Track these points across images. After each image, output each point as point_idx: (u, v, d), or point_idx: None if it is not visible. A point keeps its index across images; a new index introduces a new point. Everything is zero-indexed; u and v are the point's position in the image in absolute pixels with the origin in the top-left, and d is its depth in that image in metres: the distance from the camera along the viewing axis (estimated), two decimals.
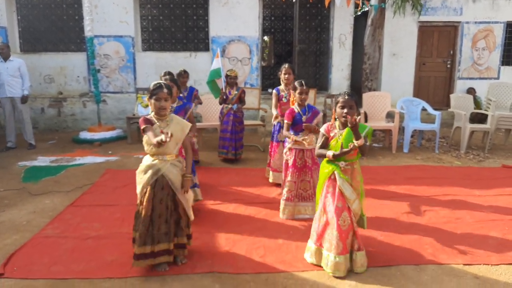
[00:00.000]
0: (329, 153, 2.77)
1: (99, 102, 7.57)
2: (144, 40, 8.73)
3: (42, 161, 5.82)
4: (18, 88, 6.50)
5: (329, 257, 2.75)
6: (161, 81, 2.80)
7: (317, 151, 2.89)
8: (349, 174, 2.80)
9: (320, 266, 2.85)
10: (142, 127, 2.65)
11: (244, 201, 4.24)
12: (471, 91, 8.75)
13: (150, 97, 2.69)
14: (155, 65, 8.39)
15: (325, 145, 2.86)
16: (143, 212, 2.70)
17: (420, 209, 4.00)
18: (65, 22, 8.64)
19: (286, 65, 4.71)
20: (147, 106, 7.19)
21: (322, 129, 2.89)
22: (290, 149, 3.81)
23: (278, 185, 4.58)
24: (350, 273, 2.78)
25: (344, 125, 2.79)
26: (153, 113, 2.74)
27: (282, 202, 3.81)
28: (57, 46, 8.67)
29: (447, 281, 2.69)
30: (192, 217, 2.92)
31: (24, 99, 6.55)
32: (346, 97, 2.74)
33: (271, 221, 3.74)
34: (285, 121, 3.78)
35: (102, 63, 8.32)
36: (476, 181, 4.99)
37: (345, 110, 2.72)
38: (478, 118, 7.38)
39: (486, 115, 6.84)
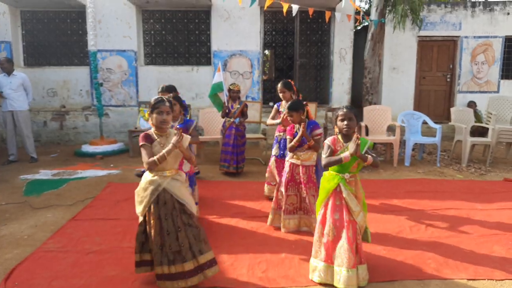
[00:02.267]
0: (345, 154, 2.72)
1: (101, 116, 7.62)
2: (146, 54, 8.83)
3: (44, 174, 5.82)
4: (20, 102, 6.53)
5: (342, 272, 2.69)
6: (161, 96, 2.79)
7: (326, 160, 2.84)
8: (353, 186, 2.82)
9: (331, 285, 2.78)
10: (141, 143, 2.64)
11: (245, 215, 4.23)
12: (471, 104, 8.80)
13: (151, 112, 2.68)
14: (157, 79, 8.47)
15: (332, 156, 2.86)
16: (152, 231, 2.61)
17: (422, 223, 3.98)
18: (69, 37, 8.76)
19: (279, 84, 4.72)
20: (148, 119, 7.23)
21: (328, 141, 2.90)
22: (287, 161, 3.84)
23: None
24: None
25: (346, 137, 2.83)
26: (153, 128, 2.72)
27: (283, 217, 3.79)
28: (60, 60, 8.77)
29: None
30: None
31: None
32: (345, 110, 2.81)
33: (273, 235, 3.72)
34: (288, 137, 3.81)
35: (105, 77, 8.41)
36: (478, 195, 4.98)
37: (345, 122, 2.78)
38: (479, 131, 7.40)
39: (487, 129, 6.86)
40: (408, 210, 4.39)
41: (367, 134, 6.87)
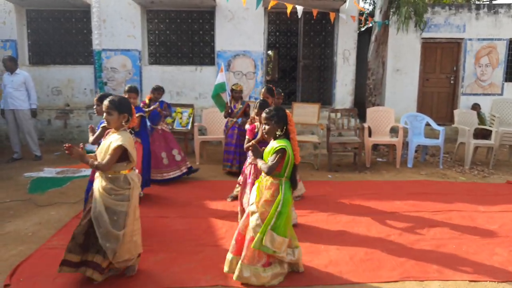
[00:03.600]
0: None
1: None
2: (150, 54, 8.87)
3: (48, 172, 5.86)
4: (21, 101, 6.54)
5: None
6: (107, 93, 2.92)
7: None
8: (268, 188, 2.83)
9: None
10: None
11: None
12: (476, 107, 8.76)
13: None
14: (161, 79, 8.50)
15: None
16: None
17: (424, 225, 3.99)
18: (73, 36, 8.81)
19: (263, 89, 4.72)
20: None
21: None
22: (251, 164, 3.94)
23: None
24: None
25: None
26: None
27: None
28: (65, 59, 8.82)
29: None
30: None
31: (33, 113, 6.65)
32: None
33: None
34: (247, 137, 3.97)
35: (109, 76, 8.45)
36: (481, 197, 4.98)
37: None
38: (483, 134, 7.39)
39: (491, 131, 6.85)
40: (411, 211, 4.40)
41: (370, 135, 6.87)
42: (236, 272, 2.75)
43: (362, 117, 7.56)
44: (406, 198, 4.88)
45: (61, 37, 8.79)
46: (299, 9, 6.69)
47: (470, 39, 9.00)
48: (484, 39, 8.99)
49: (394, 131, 7.27)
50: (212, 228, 3.87)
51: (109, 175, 2.72)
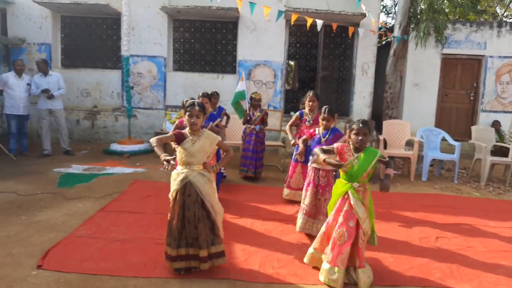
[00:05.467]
0: (322, 156, 3.06)
1: (130, 117, 8.03)
2: (175, 61, 9.24)
3: (76, 168, 6.23)
4: (57, 100, 7.10)
5: (335, 271, 2.91)
6: (194, 100, 3.10)
7: (325, 159, 3.06)
8: (361, 194, 3.00)
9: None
10: (170, 132, 3.01)
11: (261, 216, 4.45)
12: (496, 124, 8.71)
13: (184, 113, 3.02)
14: (184, 85, 8.85)
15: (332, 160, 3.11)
16: (174, 217, 2.96)
17: (432, 235, 4.09)
18: (104, 42, 9.28)
19: (311, 93, 4.98)
20: (174, 122, 7.58)
21: (336, 144, 3.14)
22: (311, 167, 4.05)
23: (292, 202, 4.91)
24: None
25: (357, 149, 3.02)
26: (187, 128, 3.04)
27: (300, 216, 4.01)
28: (95, 63, 9.29)
29: None
30: (218, 225, 3.08)
31: (49, 94, 6.88)
32: (361, 125, 2.96)
33: (286, 236, 3.92)
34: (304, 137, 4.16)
35: (135, 81, 8.85)
36: (493, 213, 5.02)
37: (360, 138, 2.96)
38: (502, 151, 7.37)
39: (509, 149, 6.84)
40: (420, 222, 4.50)
41: (385, 147, 6.98)
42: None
43: (379, 129, 7.67)
44: (417, 209, 4.98)
45: (92, 42, 9.28)
46: (319, 23, 6.91)
47: (491, 56, 9.01)
48: (505, 57, 8.98)
49: (410, 144, 7.34)
50: (226, 228, 4.08)
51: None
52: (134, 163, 6.75)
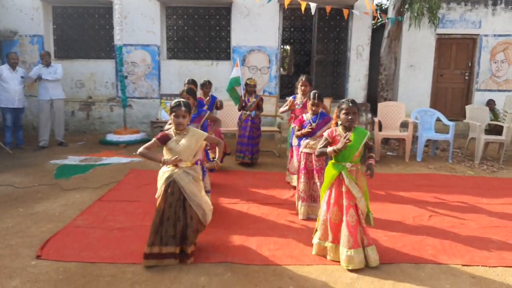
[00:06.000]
0: (330, 149, 3.05)
1: (125, 107, 8.02)
2: (169, 49, 9.18)
3: (72, 160, 6.26)
4: (58, 90, 7.19)
5: (343, 252, 2.97)
6: (180, 100, 3.05)
7: (318, 151, 3.20)
8: (354, 174, 3.04)
9: (337, 262, 3.05)
10: (155, 137, 3.01)
11: (257, 201, 4.50)
12: (490, 103, 8.75)
13: (170, 113, 3.01)
14: (178, 73, 8.82)
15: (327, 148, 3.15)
16: (155, 214, 2.97)
17: (425, 214, 4.16)
18: (96, 31, 9.21)
19: (304, 77, 4.98)
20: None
21: (325, 134, 3.18)
22: (302, 152, 4.08)
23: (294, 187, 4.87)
24: (367, 268, 2.98)
25: (347, 129, 3.07)
26: (173, 127, 3.05)
27: (299, 204, 4.07)
28: (88, 54, 9.24)
29: (444, 279, 2.87)
30: (205, 223, 3.12)
31: (39, 78, 6.95)
32: (350, 104, 3.03)
33: (282, 219, 3.98)
34: (296, 127, 4.12)
35: (129, 70, 8.81)
36: (486, 190, 5.09)
37: (350, 117, 3.01)
38: (496, 130, 7.41)
39: (503, 127, 6.88)
40: (414, 201, 4.56)
41: (380, 129, 7.01)
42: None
43: (375, 111, 7.68)
44: (412, 189, 5.04)
45: (85, 32, 9.20)
46: (313, 6, 6.85)
47: (486, 35, 8.97)
48: (500, 35, 8.94)
49: (405, 125, 7.37)
50: (222, 214, 4.14)
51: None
52: (131, 153, 6.77)
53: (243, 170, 5.94)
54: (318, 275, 2.91)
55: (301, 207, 4.05)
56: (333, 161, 3.12)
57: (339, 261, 3.04)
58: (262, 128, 6.49)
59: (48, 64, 7.09)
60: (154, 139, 3.02)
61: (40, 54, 7.38)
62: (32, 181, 5.10)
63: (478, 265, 3.08)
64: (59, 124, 7.29)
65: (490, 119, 7.56)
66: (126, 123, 8.05)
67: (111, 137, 7.69)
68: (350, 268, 2.94)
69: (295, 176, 4.85)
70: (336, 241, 3.07)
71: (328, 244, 3.12)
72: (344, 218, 3.01)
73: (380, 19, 8.69)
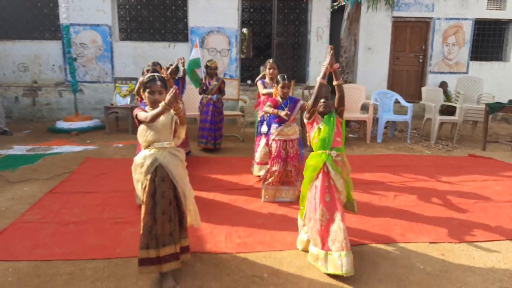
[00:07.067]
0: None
1: (75, 92, 7.47)
2: (121, 30, 8.64)
3: (18, 150, 5.74)
4: None
5: (343, 257, 2.55)
6: (155, 74, 2.58)
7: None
8: (340, 166, 2.78)
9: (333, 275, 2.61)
10: (135, 113, 2.49)
11: (223, 188, 4.35)
12: (443, 84, 9.10)
13: (143, 90, 2.51)
14: (133, 55, 8.34)
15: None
16: (143, 210, 2.43)
17: (391, 194, 4.23)
18: (39, 9, 8.44)
19: (271, 60, 4.80)
20: (125, 96, 7.15)
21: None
22: (274, 140, 3.95)
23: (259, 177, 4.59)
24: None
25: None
26: (148, 106, 2.55)
27: (264, 186, 3.96)
28: (31, 34, 8.47)
29: (415, 257, 2.90)
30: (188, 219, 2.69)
31: None
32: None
33: (250, 206, 3.87)
34: (269, 103, 3.93)
35: (78, 52, 8.20)
36: (444, 169, 5.28)
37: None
38: (449, 110, 7.72)
39: (456, 108, 7.18)
40: (379, 183, 4.63)
41: None
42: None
43: (335, 94, 7.70)
44: (375, 170, 5.12)
45: (27, 10, 8.40)
46: None
47: (438, 19, 9.26)
48: (451, 19, 9.28)
49: (365, 108, 7.49)
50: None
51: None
52: (84, 141, 6.33)
53: (206, 156, 5.74)
54: (291, 260, 2.84)
55: (269, 189, 3.95)
56: (315, 151, 2.86)
57: (332, 273, 2.59)
58: (225, 112, 6.29)
59: None
60: (137, 114, 2.48)
61: None
62: None
63: (445, 242, 3.16)
64: None
65: (443, 100, 7.86)
66: (78, 109, 7.52)
67: (61, 124, 7.15)
68: (353, 273, 2.56)
69: (258, 167, 4.65)
70: (325, 247, 2.65)
71: (320, 252, 2.67)
72: (338, 215, 2.65)
73: (340, 1, 8.68)
